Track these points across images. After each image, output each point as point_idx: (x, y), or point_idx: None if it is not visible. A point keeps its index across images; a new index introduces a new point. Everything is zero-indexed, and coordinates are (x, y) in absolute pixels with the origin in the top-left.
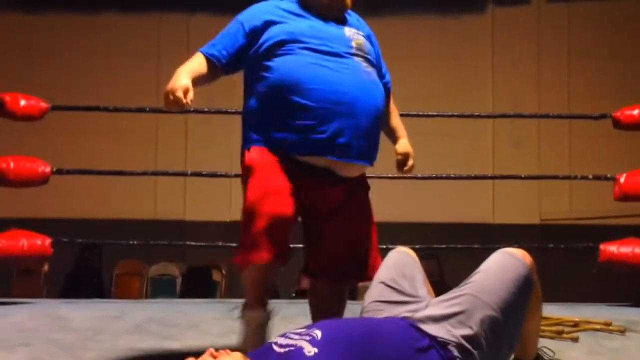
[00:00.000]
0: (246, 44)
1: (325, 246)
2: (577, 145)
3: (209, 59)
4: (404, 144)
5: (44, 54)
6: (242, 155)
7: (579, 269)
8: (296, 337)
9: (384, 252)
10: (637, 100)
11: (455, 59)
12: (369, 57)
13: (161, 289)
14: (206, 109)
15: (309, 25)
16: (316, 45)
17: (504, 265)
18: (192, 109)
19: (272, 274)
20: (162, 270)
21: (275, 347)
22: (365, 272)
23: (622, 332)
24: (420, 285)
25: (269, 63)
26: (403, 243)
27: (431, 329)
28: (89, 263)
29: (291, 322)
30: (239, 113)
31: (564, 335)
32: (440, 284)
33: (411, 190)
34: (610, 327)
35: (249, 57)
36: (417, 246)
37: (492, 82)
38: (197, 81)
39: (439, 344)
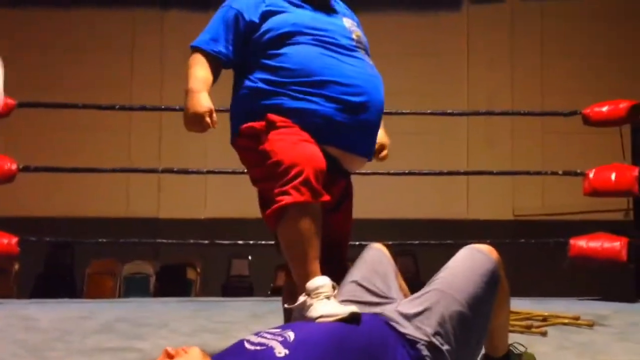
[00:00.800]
0: (246, 33)
1: (325, 239)
2: (550, 141)
3: (215, 57)
4: (381, 135)
5: (14, 48)
6: (240, 131)
7: (551, 264)
8: (269, 336)
9: (359, 249)
10: (609, 97)
11: (431, 56)
12: (367, 49)
13: (135, 287)
14: (177, 107)
15: (312, 17)
16: (323, 37)
17: (471, 260)
18: (163, 107)
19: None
20: (135, 269)
21: (246, 345)
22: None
23: (590, 326)
24: (393, 284)
25: (278, 51)
26: (378, 239)
27: (401, 327)
28: (60, 262)
29: (264, 320)
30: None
31: (533, 330)
32: (415, 280)
33: (386, 186)
34: (579, 322)
35: (250, 47)
36: (391, 242)
37: (467, 78)
38: (212, 83)
39: (409, 343)
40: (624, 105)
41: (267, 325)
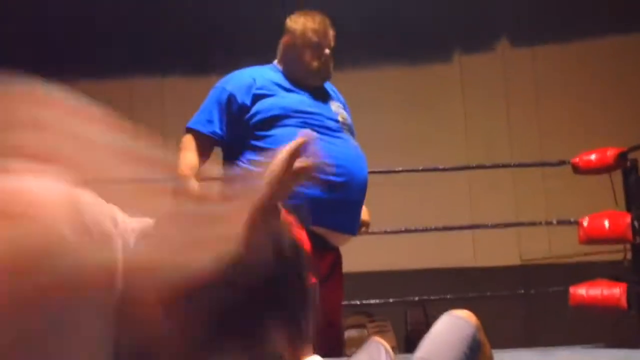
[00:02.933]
0: (238, 115)
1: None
2: (551, 185)
3: (210, 137)
4: (365, 212)
5: None
6: None
7: (558, 310)
8: None
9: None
10: (607, 140)
11: (427, 108)
12: (352, 130)
13: None
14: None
15: (300, 100)
16: (310, 120)
17: (452, 327)
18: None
19: None
20: None
21: None
22: (340, 347)
23: None
24: None
25: (267, 133)
26: (386, 291)
27: None
28: None
29: None
30: None
31: None
32: (427, 331)
33: (391, 238)
34: None
35: (240, 128)
36: (397, 298)
37: (465, 127)
38: (200, 167)
39: None
40: (611, 152)
41: None
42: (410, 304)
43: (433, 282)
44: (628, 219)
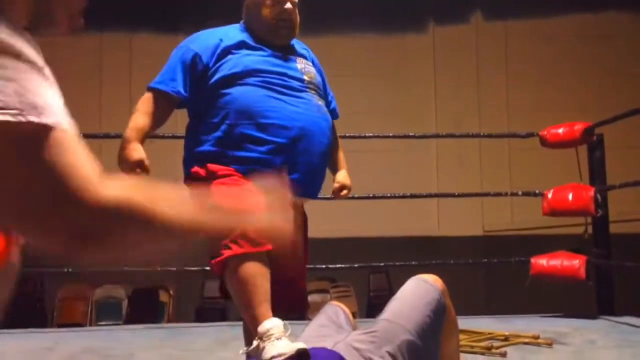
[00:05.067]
0: (202, 74)
1: (280, 270)
2: (517, 158)
3: (171, 96)
4: (342, 175)
5: None
6: (190, 173)
7: (518, 280)
8: None
9: (329, 271)
10: (574, 116)
11: (399, 77)
12: (319, 89)
13: (107, 312)
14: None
15: (264, 59)
16: (272, 79)
17: (417, 290)
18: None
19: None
20: (107, 293)
21: None
22: (303, 305)
23: (549, 345)
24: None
25: (227, 91)
26: (351, 258)
27: (353, 358)
28: (30, 288)
29: (231, 345)
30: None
31: (493, 351)
32: (389, 297)
33: (357, 205)
34: (539, 340)
35: (204, 87)
36: (357, 265)
37: (435, 98)
38: (152, 130)
39: None
40: (578, 127)
41: (234, 352)
42: (373, 270)
43: (397, 249)
44: (591, 192)
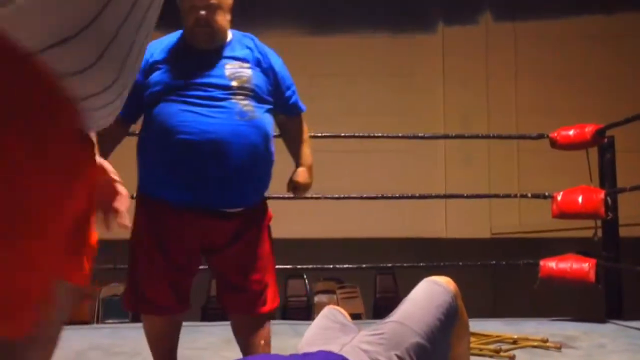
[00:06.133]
0: (139, 91)
1: (223, 277)
2: (525, 160)
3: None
4: (298, 173)
5: None
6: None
7: (525, 283)
8: None
9: (342, 272)
10: (584, 117)
11: (408, 77)
12: (254, 92)
13: (113, 310)
14: None
15: (186, 71)
16: (190, 92)
17: (429, 293)
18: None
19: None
20: (113, 291)
21: None
22: (255, 306)
23: (558, 348)
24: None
25: (152, 110)
26: (358, 258)
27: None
28: None
29: (236, 345)
30: None
31: (502, 354)
32: (395, 299)
33: (365, 206)
34: (547, 344)
35: (142, 104)
36: (369, 264)
37: (444, 99)
38: (109, 152)
39: None
40: (589, 129)
41: (238, 352)
42: (380, 271)
43: (404, 251)
44: (602, 195)
